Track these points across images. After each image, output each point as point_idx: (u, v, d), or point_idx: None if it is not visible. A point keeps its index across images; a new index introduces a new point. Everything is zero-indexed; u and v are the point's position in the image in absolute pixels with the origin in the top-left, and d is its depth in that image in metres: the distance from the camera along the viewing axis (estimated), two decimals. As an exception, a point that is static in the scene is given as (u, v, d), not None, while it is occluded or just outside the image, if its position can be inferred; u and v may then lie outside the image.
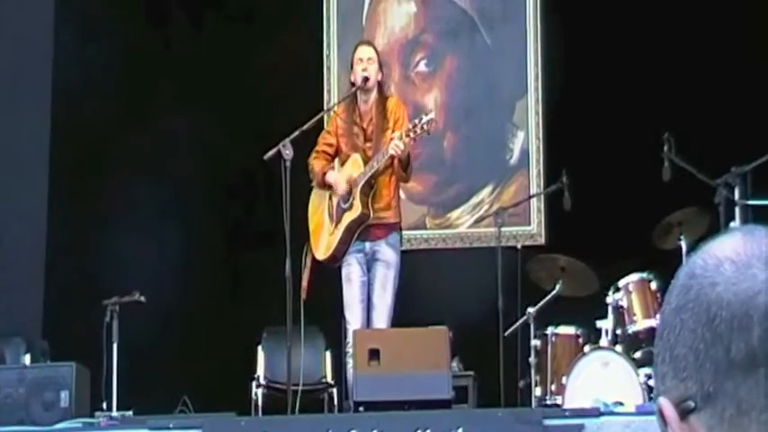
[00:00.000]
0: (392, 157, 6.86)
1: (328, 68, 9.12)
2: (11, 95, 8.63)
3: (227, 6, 9.22)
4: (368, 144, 7.03)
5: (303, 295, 6.73)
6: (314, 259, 7.03)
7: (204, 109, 8.88)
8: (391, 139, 6.83)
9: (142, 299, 7.31)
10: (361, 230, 6.99)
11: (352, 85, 7.12)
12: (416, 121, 6.86)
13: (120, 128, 8.88)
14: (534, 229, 8.79)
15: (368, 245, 7.00)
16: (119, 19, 9.13)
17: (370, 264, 7.01)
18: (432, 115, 6.96)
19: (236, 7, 9.18)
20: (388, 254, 7.00)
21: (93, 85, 8.87)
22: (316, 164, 7.12)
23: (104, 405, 7.08)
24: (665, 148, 7.30)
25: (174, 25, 9.15)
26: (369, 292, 7.01)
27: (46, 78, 8.81)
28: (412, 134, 6.81)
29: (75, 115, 8.85)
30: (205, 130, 8.85)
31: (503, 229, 7.82)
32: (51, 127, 8.82)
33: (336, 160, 7.27)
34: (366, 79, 6.98)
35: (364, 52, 7.12)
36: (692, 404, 1.04)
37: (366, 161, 6.97)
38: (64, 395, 6.68)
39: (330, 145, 7.16)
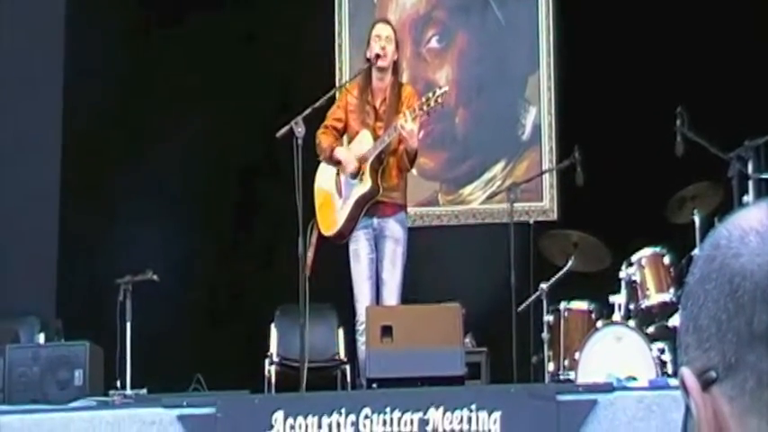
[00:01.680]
0: (400, 138, 6.83)
1: (340, 46, 9.10)
2: (23, 83, 8.64)
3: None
4: (378, 123, 7.00)
5: (307, 272, 6.70)
6: (320, 236, 7.00)
7: (216, 89, 8.87)
8: (403, 114, 6.81)
9: (155, 277, 7.31)
10: (369, 206, 6.97)
11: (368, 60, 7.08)
12: (430, 94, 6.85)
13: (132, 112, 8.88)
14: (547, 204, 8.77)
15: (375, 220, 6.99)
16: (129, 2, 9.12)
17: (377, 240, 7.00)
18: (445, 89, 6.99)
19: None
20: (395, 230, 6.99)
21: (104, 72, 8.88)
22: (324, 139, 7.08)
23: (118, 383, 7.10)
24: (678, 122, 7.28)
25: (186, 4, 9.11)
26: (377, 269, 7.00)
27: (57, 66, 8.82)
28: (425, 107, 6.80)
29: (87, 102, 8.84)
30: (216, 111, 8.84)
31: (515, 204, 7.80)
32: (63, 113, 8.83)
33: (345, 136, 7.25)
34: (378, 56, 6.96)
35: (383, 29, 7.10)
36: (713, 374, 1.03)
37: (375, 138, 6.95)
38: (78, 374, 6.70)
39: (339, 120, 7.13)
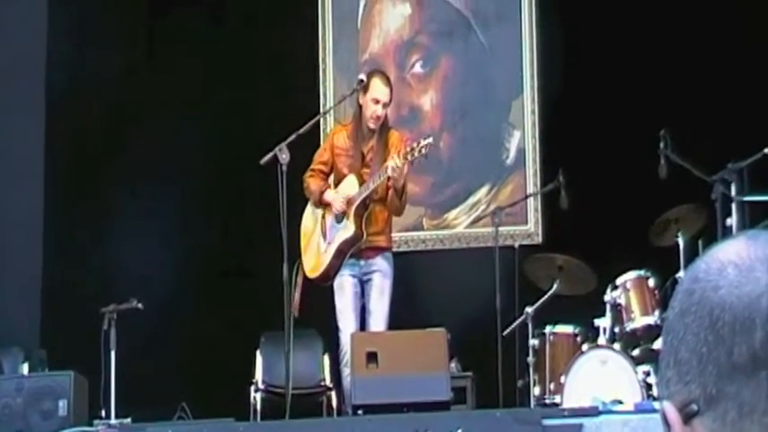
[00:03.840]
0: (387, 184, 6.85)
1: (324, 71, 9.11)
2: (4, 101, 8.60)
3: (222, 9, 9.20)
4: (365, 169, 7.03)
5: (295, 313, 6.73)
6: (305, 277, 7.02)
7: (200, 114, 8.86)
8: (391, 159, 6.82)
9: (140, 306, 7.30)
10: (355, 250, 6.99)
11: (359, 106, 7.07)
12: (414, 144, 6.86)
13: (116, 135, 8.87)
14: (531, 228, 8.78)
15: (362, 261, 7.04)
16: (114, 19, 9.11)
17: (364, 276, 7.03)
18: (430, 139, 6.95)
19: (231, 10, 9.16)
20: (383, 265, 7.05)
21: (87, 90, 8.86)
22: (312, 182, 7.12)
23: (103, 413, 7.07)
24: (662, 145, 7.31)
25: (170, 27, 9.12)
26: (365, 301, 7.03)
27: (39, 82, 8.79)
28: (409, 157, 6.81)
29: (70, 121, 8.83)
30: (201, 136, 8.83)
31: (500, 228, 7.82)
32: (46, 133, 8.80)
33: (332, 179, 7.26)
34: (375, 119, 6.97)
35: (384, 94, 7.03)
36: (695, 408, 1.04)
37: (361, 183, 6.97)
38: (62, 404, 6.67)
39: (325, 163, 7.17)
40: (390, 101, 7.14)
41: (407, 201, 7.17)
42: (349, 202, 6.97)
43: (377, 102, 7.03)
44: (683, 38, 8.27)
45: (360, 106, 7.10)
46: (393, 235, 7.38)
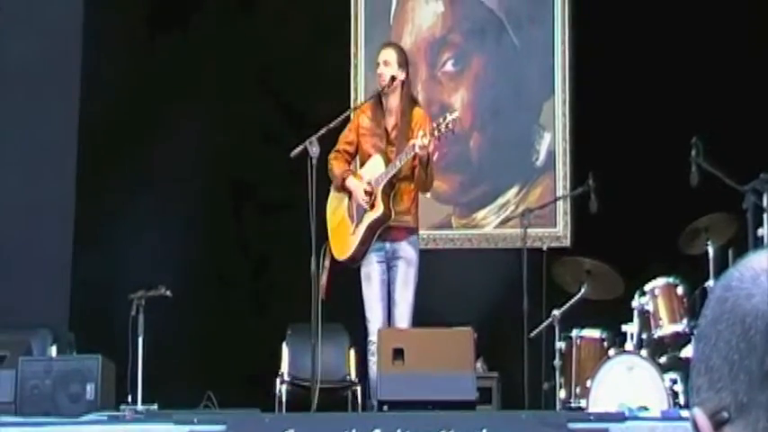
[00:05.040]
0: (414, 162, 6.84)
1: (355, 67, 9.12)
2: (38, 91, 8.64)
3: (255, 6, 9.21)
4: (390, 147, 7.02)
5: (322, 296, 6.73)
6: (333, 260, 7.03)
7: (232, 108, 8.89)
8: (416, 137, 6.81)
9: (168, 293, 7.32)
10: (382, 231, 6.99)
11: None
12: (440, 119, 6.85)
13: (147, 126, 8.89)
14: (560, 231, 8.78)
15: (388, 245, 7.00)
16: (143, 12, 9.15)
17: (390, 262, 7.01)
18: (456, 114, 6.94)
19: (265, 8, 9.17)
20: (408, 252, 7.00)
21: (120, 80, 8.89)
22: (335, 164, 7.10)
23: (129, 398, 7.09)
24: (693, 152, 7.30)
25: (197, 21, 9.13)
26: (389, 290, 7.01)
27: (75, 72, 8.82)
28: (436, 132, 6.79)
29: (104, 111, 8.86)
30: (232, 130, 8.87)
31: (528, 230, 7.82)
32: (79, 121, 8.83)
33: (357, 159, 7.26)
34: (381, 78, 7.02)
35: (382, 54, 7.16)
36: (725, 415, 1.04)
37: (387, 162, 6.97)
38: (90, 387, 6.70)
39: (350, 143, 7.15)
40: (406, 64, 7.13)
41: (434, 177, 7.08)
42: (375, 182, 6.94)
43: (378, 64, 7.09)
44: (717, 44, 8.26)
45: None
46: (422, 233, 7.36)
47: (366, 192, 6.95)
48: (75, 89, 8.82)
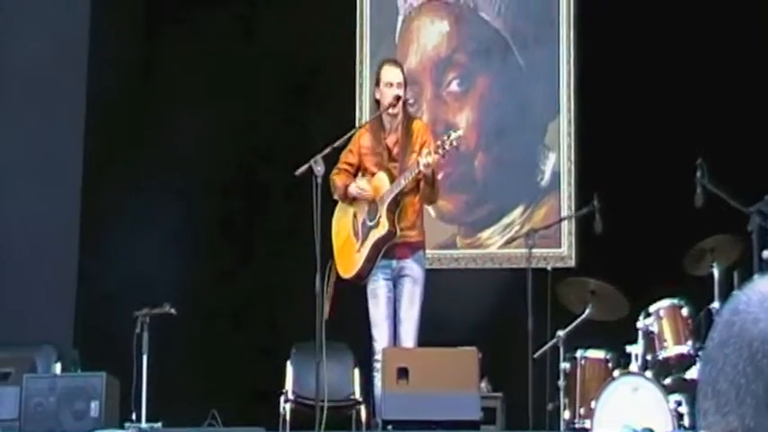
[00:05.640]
0: (418, 177, 6.85)
1: (360, 85, 9.14)
2: (45, 99, 8.65)
3: (257, 20, 9.23)
4: (393, 164, 7.03)
5: (326, 314, 6.73)
6: (338, 277, 7.03)
7: (236, 123, 8.91)
8: (420, 156, 6.82)
9: (173, 311, 7.32)
10: (387, 248, 6.99)
11: (377, 102, 7.13)
12: (444, 137, 6.86)
13: (153, 137, 8.91)
14: (565, 251, 8.78)
15: (394, 262, 7.00)
16: (148, 16, 9.17)
17: (396, 280, 7.01)
18: (460, 132, 6.96)
19: (269, 23, 9.20)
20: (414, 270, 7.00)
21: (126, 90, 8.91)
22: (337, 179, 7.12)
23: (134, 416, 7.09)
24: (698, 173, 7.29)
25: (201, 31, 9.15)
26: (395, 308, 7.01)
27: (80, 79, 8.83)
28: (441, 150, 6.80)
29: (108, 124, 8.88)
30: (238, 144, 8.88)
31: (533, 250, 7.82)
32: (84, 133, 8.85)
33: (360, 175, 7.27)
34: (392, 105, 7.00)
35: (395, 76, 7.10)
36: None
37: (392, 179, 6.98)
38: (94, 405, 6.71)
39: (351, 164, 7.16)
40: (405, 83, 7.12)
41: (440, 190, 7.09)
42: (380, 201, 6.95)
43: (390, 85, 7.05)
44: (723, 66, 8.27)
45: (377, 102, 7.13)
46: (427, 252, 7.36)
47: (372, 191, 6.95)
48: (81, 99, 8.82)
